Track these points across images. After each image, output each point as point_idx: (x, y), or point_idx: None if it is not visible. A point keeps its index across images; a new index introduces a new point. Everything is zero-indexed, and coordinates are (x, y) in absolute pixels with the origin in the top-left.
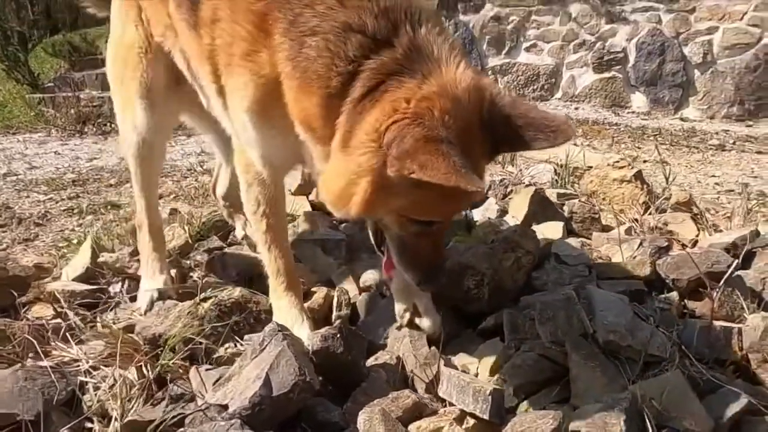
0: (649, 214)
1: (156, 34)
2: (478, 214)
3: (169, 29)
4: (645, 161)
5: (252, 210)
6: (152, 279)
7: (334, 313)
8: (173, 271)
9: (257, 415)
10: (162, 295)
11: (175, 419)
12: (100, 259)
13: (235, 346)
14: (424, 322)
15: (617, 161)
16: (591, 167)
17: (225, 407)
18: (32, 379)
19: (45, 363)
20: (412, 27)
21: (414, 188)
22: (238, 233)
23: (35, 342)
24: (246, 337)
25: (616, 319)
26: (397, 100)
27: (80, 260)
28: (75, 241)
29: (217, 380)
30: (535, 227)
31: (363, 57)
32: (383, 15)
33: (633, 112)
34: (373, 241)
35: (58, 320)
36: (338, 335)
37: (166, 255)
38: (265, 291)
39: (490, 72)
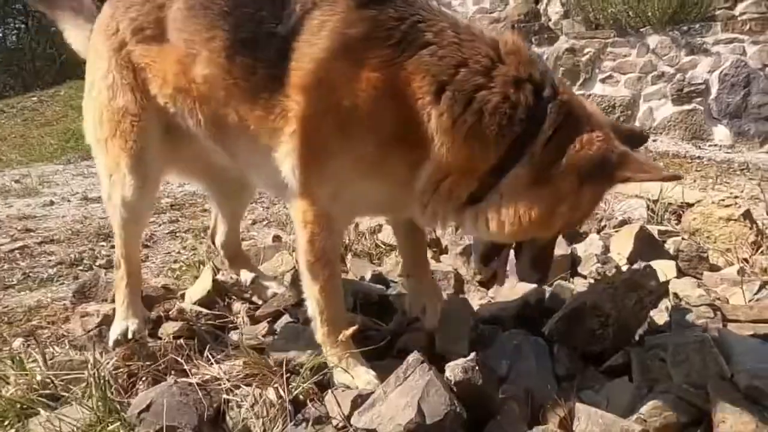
0: (761, 253)
1: (161, 96)
2: (581, 250)
3: (185, 92)
4: (736, 197)
5: (313, 260)
6: (124, 321)
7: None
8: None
9: None
10: (133, 336)
11: None
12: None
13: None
14: (428, 318)
15: (722, 199)
16: (688, 203)
17: (372, 431)
18: (185, 394)
19: (194, 380)
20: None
21: (589, 199)
22: (244, 279)
23: (179, 360)
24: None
25: (759, 364)
26: (585, 139)
27: (202, 283)
28: (188, 264)
29: (353, 402)
30: None
31: (535, 105)
32: (534, 66)
33: (715, 145)
34: (479, 261)
35: (190, 338)
36: (477, 367)
37: (140, 296)
38: (380, 317)
39: None
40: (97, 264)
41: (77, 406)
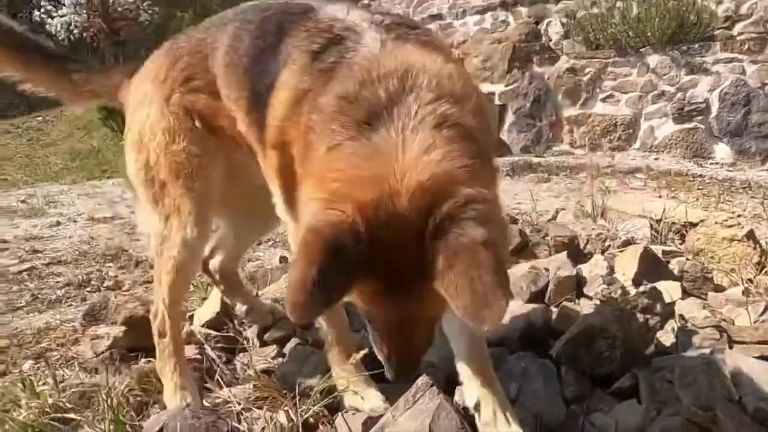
0: (766, 273)
1: (224, 139)
2: (586, 271)
3: (239, 140)
4: (739, 215)
5: None
6: (179, 392)
7: None
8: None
9: None
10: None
11: None
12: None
13: None
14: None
15: (725, 219)
16: (691, 222)
17: None
18: (197, 417)
19: (206, 403)
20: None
21: None
22: (240, 311)
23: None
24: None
25: (766, 387)
26: None
27: (211, 305)
28: (194, 285)
29: (364, 425)
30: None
31: None
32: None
33: (717, 163)
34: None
35: (199, 360)
36: None
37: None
38: None
39: (565, 122)
40: (104, 285)
41: (89, 429)
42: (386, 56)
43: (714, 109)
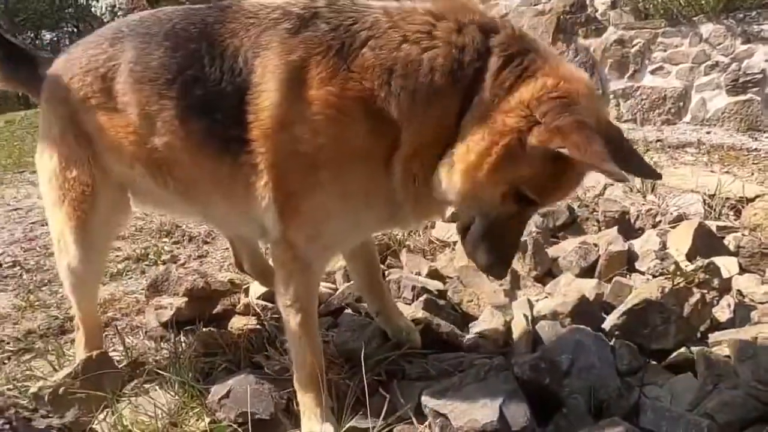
0: None
1: (120, 165)
2: (638, 246)
3: (145, 159)
4: None
5: (288, 302)
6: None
7: (516, 342)
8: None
9: None
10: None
11: (389, 427)
12: None
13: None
14: (415, 339)
15: None
16: (748, 198)
17: (443, 416)
18: (260, 383)
19: (267, 370)
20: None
21: (544, 162)
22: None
23: (248, 351)
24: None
25: None
26: (547, 76)
27: None
28: None
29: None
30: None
31: (486, 39)
32: (480, 15)
33: None
34: (460, 237)
35: (259, 329)
36: (543, 365)
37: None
38: (443, 316)
39: (612, 96)
40: (162, 259)
41: (161, 391)
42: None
43: None
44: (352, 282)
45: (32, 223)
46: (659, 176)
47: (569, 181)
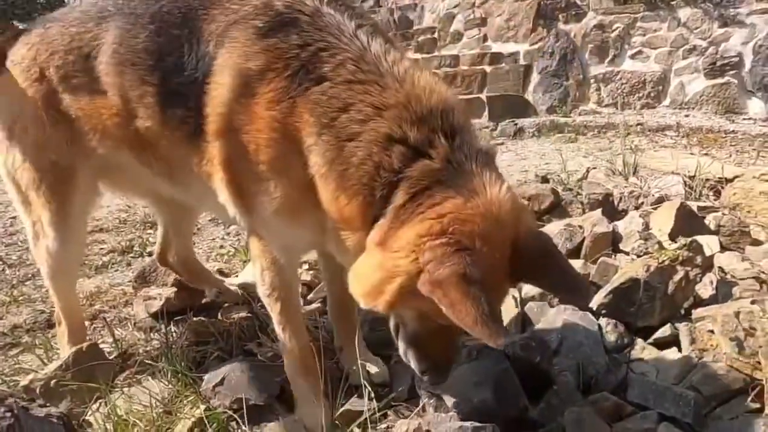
0: None
1: (101, 147)
2: (621, 228)
3: (129, 141)
4: None
5: (266, 293)
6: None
7: (506, 323)
8: None
9: (474, 415)
10: None
11: (384, 410)
12: None
13: None
14: (377, 375)
15: (764, 173)
16: (726, 178)
17: (436, 396)
18: (253, 370)
19: (260, 357)
20: (446, 137)
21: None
22: (210, 294)
23: (240, 339)
24: None
25: None
26: (443, 216)
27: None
28: (235, 248)
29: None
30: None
31: (405, 166)
32: (421, 124)
33: (750, 119)
34: (393, 335)
35: (250, 317)
36: (533, 344)
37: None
38: None
39: (592, 81)
40: (147, 251)
41: (154, 381)
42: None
43: (748, 63)
44: None
45: (12, 218)
46: (586, 300)
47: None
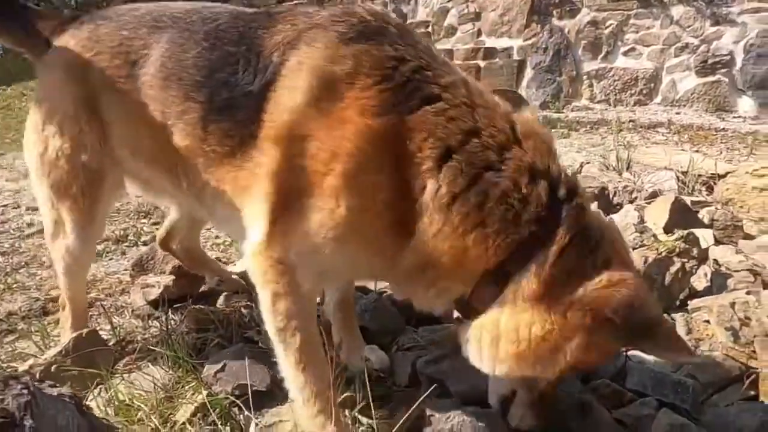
0: None
1: (133, 160)
2: (617, 221)
3: (161, 160)
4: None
5: (280, 325)
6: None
7: None
8: None
9: (477, 401)
10: None
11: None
12: None
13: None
14: (378, 361)
15: (756, 169)
16: (718, 174)
17: (439, 381)
18: (254, 356)
19: (261, 345)
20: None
21: (599, 353)
22: (210, 282)
23: (240, 326)
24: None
25: None
26: (615, 270)
27: None
28: (227, 241)
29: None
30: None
31: (553, 205)
32: (553, 159)
33: (740, 117)
34: (498, 405)
35: (249, 306)
36: None
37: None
38: None
39: (585, 77)
40: (142, 240)
41: (155, 367)
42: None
43: (738, 62)
44: None
45: (3, 206)
46: (690, 359)
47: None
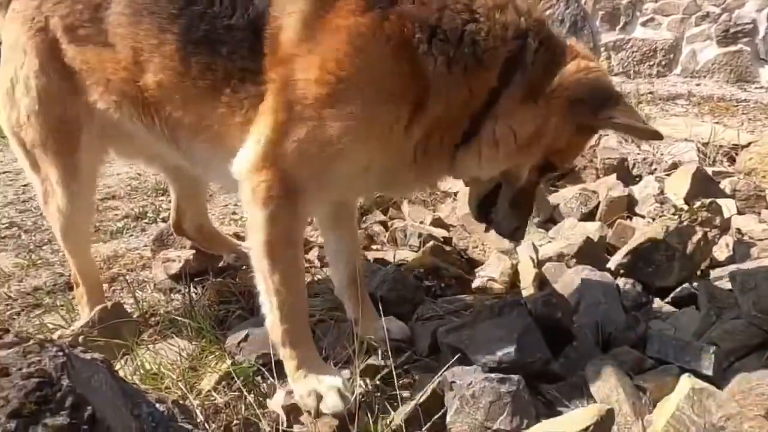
0: None
1: (103, 102)
2: (637, 192)
3: (133, 98)
4: None
5: (274, 239)
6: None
7: (524, 283)
8: None
9: (498, 369)
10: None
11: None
12: None
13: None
14: (397, 331)
15: None
16: (741, 145)
17: (459, 350)
18: None
19: None
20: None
21: (579, 134)
22: (228, 258)
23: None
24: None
25: None
26: (577, 58)
27: None
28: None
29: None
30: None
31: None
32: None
33: (762, 87)
34: (475, 212)
35: None
36: (555, 300)
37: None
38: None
39: (603, 48)
40: (161, 217)
41: (178, 339)
42: None
43: (762, 30)
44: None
45: (24, 185)
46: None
47: (582, 148)
